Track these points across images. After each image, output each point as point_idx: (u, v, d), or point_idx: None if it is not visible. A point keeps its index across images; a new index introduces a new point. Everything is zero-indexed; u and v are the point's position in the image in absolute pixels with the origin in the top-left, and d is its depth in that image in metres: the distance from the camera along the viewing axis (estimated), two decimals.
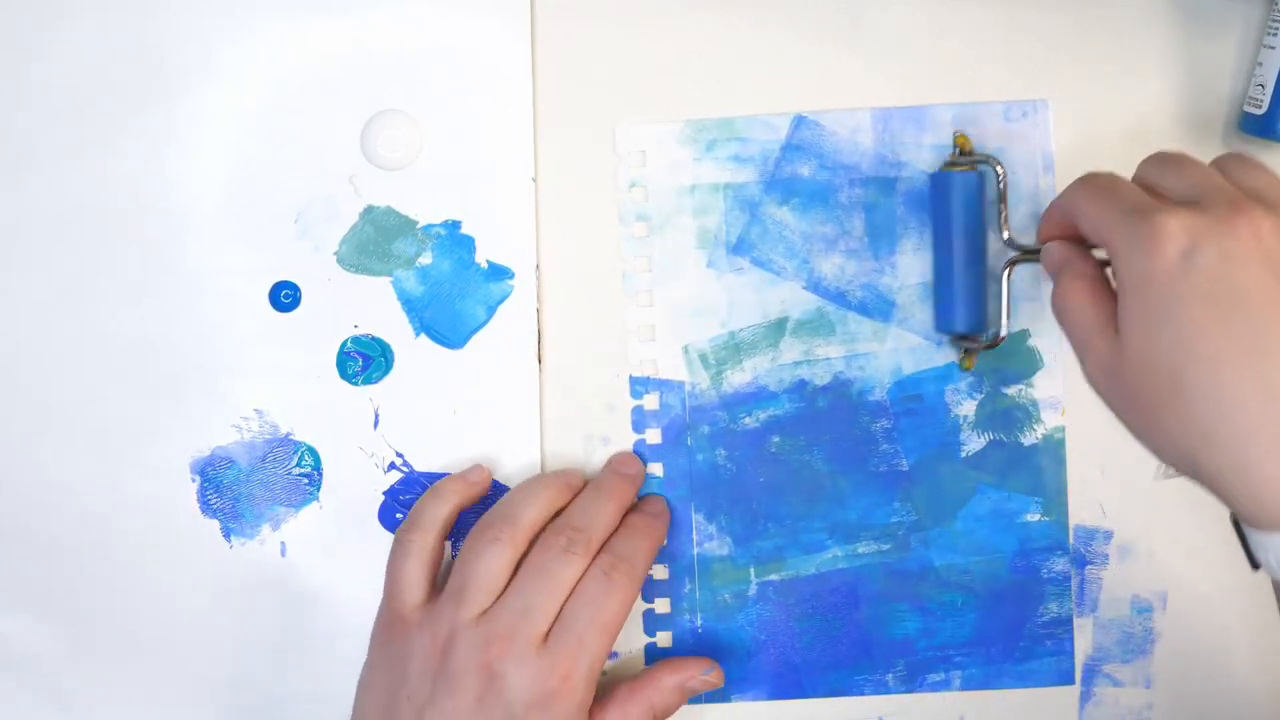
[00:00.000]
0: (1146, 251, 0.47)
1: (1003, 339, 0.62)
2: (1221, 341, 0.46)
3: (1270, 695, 0.64)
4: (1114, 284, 0.50)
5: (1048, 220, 0.55)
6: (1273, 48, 0.61)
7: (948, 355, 0.64)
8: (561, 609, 0.58)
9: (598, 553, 0.60)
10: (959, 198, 0.62)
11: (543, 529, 0.60)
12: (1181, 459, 0.48)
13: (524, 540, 0.59)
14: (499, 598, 0.58)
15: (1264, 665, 0.64)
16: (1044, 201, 0.63)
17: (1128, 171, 0.63)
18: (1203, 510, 0.64)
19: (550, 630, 0.58)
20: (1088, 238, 0.52)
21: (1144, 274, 0.47)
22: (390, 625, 0.60)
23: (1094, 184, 0.52)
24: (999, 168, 0.62)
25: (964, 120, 0.64)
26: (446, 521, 0.61)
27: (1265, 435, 0.45)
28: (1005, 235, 0.62)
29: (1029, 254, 0.60)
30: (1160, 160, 0.52)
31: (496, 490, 0.64)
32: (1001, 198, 0.62)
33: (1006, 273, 0.61)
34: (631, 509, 0.63)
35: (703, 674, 0.62)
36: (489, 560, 0.58)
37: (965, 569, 0.64)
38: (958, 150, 0.63)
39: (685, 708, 0.63)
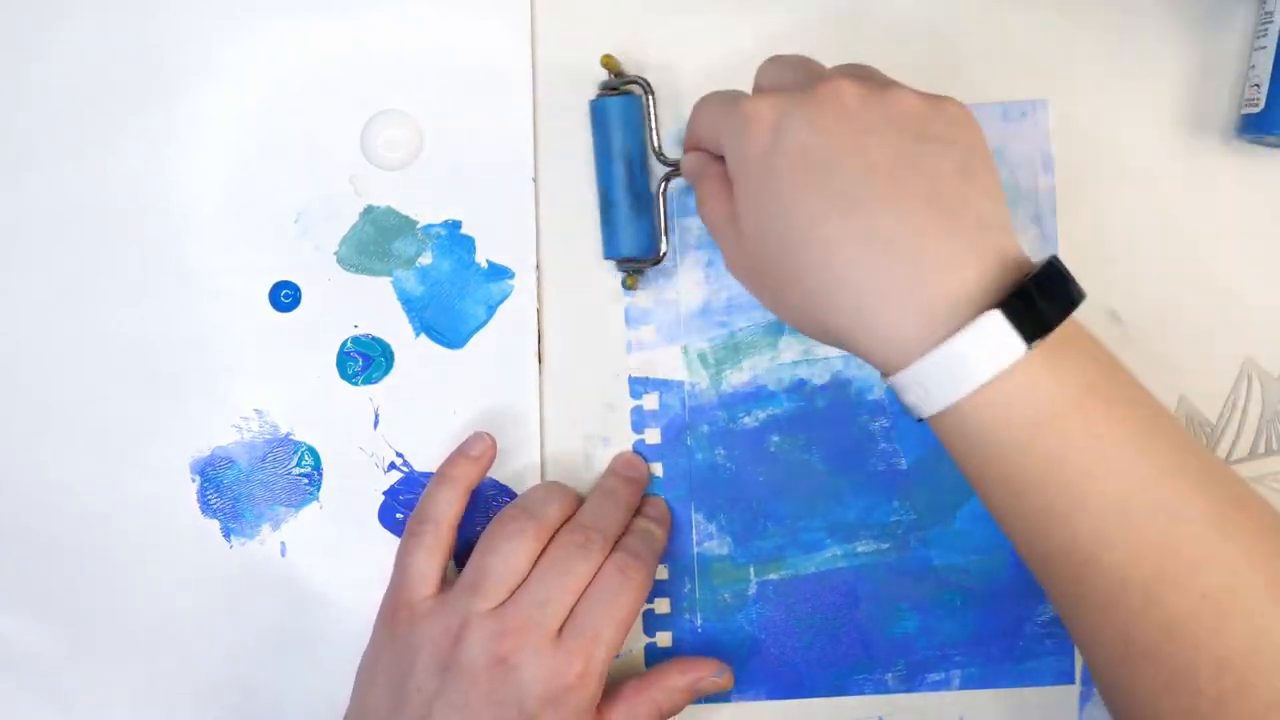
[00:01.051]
0: (741, 135, 0.50)
1: (664, 255, 0.63)
2: (816, 205, 0.48)
3: None
4: None
5: (686, 141, 0.57)
6: (1264, 47, 0.61)
7: None
8: (575, 606, 0.58)
9: (610, 552, 0.60)
10: (614, 122, 0.63)
11: (557, 529, 0.60)
12: (814, 328, 0.51)
13: (545, 536, 0.59)
14: (514, 591, 0.58)
15: None
16: (1042, 202, 0.63)
17: (1132, 167, 0.64)
18: None
19: (564, 625, 0.58)
20: (708, 147, 0.55)
21: (742, 157, 0.50)
22: (396, 616, 0.59)
23: (704, 97, 0.55)
24: (646, 88, 0.63)
25: None
26: (458, 510, 0.61)
27: (872, 286, 0.47)
28: (657, 148, 0.63)
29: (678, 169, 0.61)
30: (771, 62, 0.54)
31: (500, 492, 0.64)
32: (651, 116, 0.63)
33: (661, 189, 0.63)
34: (636, 512, 0.63)
35: (713, 675, 0.62)
36: (509, 553, 0.58)
37: (964, 568, 0.64)
38: (610, 74, 0.63)
39: (684, 709, 0.64)
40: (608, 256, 0.64)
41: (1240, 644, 0.46)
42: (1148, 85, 0.64)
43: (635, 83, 0.63)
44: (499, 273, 0.64)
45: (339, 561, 0.65)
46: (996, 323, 0.45)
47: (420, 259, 0.64)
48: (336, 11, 0.64)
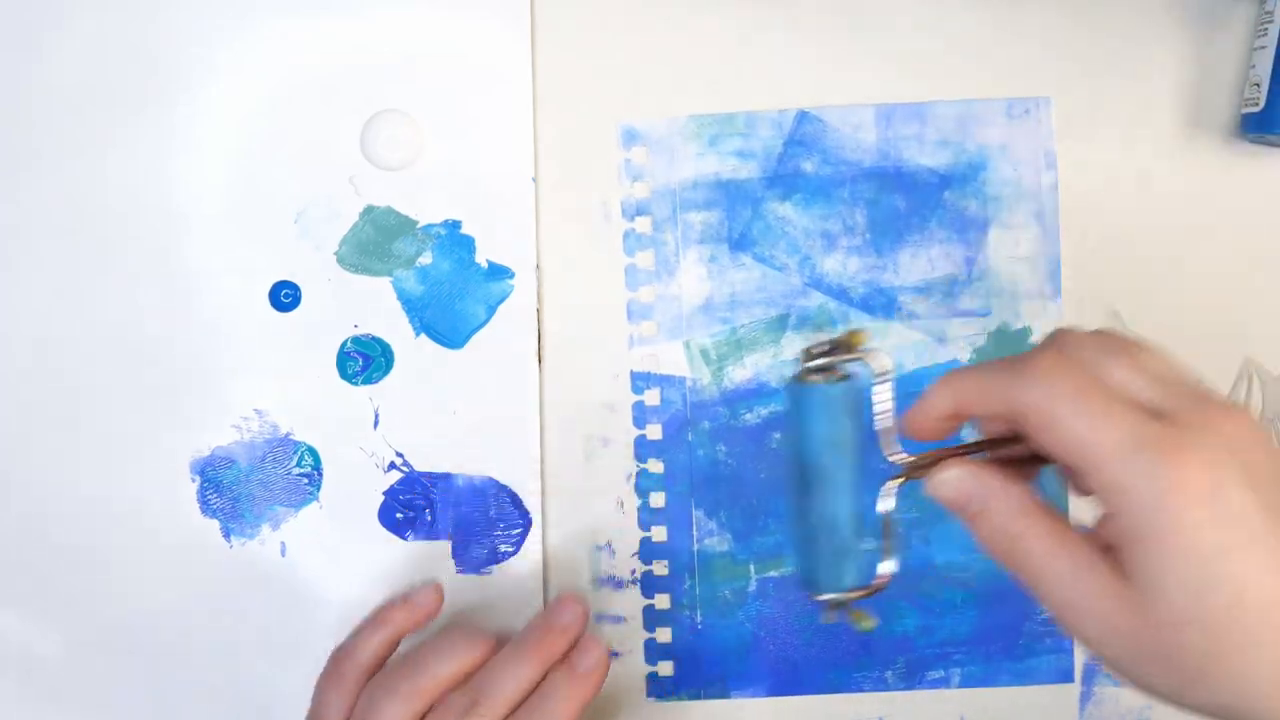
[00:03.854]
0: (1170, 496, 0.39)
1: (885, 581, 0.46)
2: (1271, 582, 0.39)
3: None
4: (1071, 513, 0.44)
5: (935, 401, 0.44)
6: (1264, 46, 0.61)
7: (950, 352, 0.64)
8: None
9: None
10: (818, 416, 0.46)
11: (451, 688, 0.57)
12: (1239, 713, 0.40)
13: (424, 699, 0.57)
14: None
15: None
16: (1045, 199, 0.63)
17: (1133, 166, 0.63)
18: None
19: None
20: (1053, 455, 0.41)
21: (1174, 524, 0.39)
22: None
23: (1068, 383, 0.41)
24: (876, 363, 0.45)
25: (966, 117, 0.63)
26: (382, 656, 0.60)
27: None
28: (888, 454, 0.45)
29: (916, 471, 0.45)
30: (1099, 348, 0.42)
31: (500, 491, 0.64)
32: (882, 408, 0.45)
33: (886, 501, 0.45)
34: (562, 661, 0.59)
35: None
36: (388, 716, 0.56)
37: (965, 566, 0.64)
38: (824, 349, 0.46)
39: (683, 705, 0.64)
40: (816, 595, 0.47)
41: None
42: (1148, 84, 0.64)
43: (859, 359, 0.46)
44: (499, 273, 0.64)
45: (339, 561, 0.65)
46: None
47: (420, 259, 0.64)
48: (336, 11, 0.64)
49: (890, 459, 0.44)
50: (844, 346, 0.45)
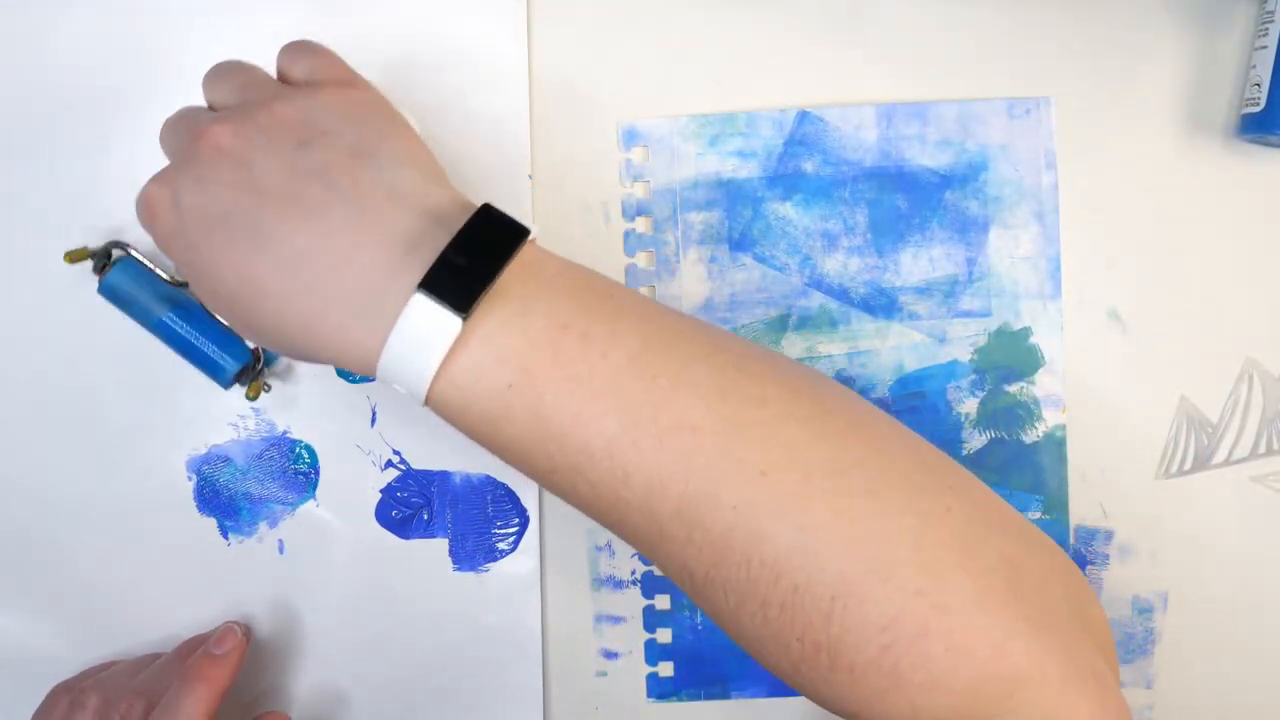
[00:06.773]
0: (149, 224, 0.49)
1: (259, 351, 0.63)
2: (232, 256, 0.46)
3: (1271, 696, 0.64)
4: None
5: None
6: (1265, 46, 0.61)
7: (951, 352, 0.64)
8: None
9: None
10: (132, 288, 0.62)
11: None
12: (295, 356, 0.49)
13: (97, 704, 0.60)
14: None
15: (1265, 666, 0.64)
16: (1045, 199, 0.63)
17: (1133, 166, 0.64)
18: (1204, 511, 0.64)
19: None
20: None
21: (161, 243, 0.49)
22: None
23: None
24: (123, 246, 0.63)
25: (967, 116, 0.64)
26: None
27: (309, 305, 0.45)
28: (173, 281, 0.62)
29: None
30: (163, 129, 0.53)
31: (496, 487, 0.64)
32: (148, 265, 0.63)
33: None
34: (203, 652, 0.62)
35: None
36: None
37: None
38: (87, 260, 0.63)
39: (684, 706, 0.63)
40: (229, 385, 0.63)
41: (783, 545, 0.44)
42: (1149, 84, 0.64)
43: (112, 249, 0.63)
44: None
45: (337, 559, 0.64)
46: (423, 305, 0.44)
47: None
48: (336, 11, 0.64)
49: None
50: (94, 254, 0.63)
